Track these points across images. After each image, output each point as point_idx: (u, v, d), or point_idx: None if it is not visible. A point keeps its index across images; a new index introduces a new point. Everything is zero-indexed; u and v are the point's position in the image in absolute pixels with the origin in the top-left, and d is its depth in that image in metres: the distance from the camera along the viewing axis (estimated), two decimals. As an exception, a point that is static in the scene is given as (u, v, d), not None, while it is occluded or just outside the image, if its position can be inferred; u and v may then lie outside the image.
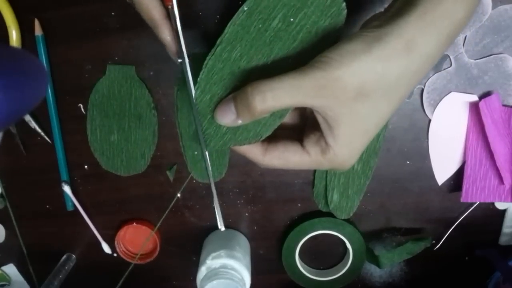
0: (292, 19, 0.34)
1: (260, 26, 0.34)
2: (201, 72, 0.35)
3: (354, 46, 0.30)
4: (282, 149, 0.36)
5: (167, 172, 0.55)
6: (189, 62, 0.38)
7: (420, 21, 0.29)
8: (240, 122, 0.34)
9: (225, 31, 0.35)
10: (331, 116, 0.31)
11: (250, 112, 0.32)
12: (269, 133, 0.36)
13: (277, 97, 0.31)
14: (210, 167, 0.40)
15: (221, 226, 0.41)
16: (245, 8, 0.34)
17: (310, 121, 0.37)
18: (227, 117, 0.34)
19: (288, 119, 0.38)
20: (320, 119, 0.33)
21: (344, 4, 0.34)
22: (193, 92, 0.36)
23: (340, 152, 0.33)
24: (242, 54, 0.35)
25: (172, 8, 0.37)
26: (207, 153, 0.39)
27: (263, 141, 0.37)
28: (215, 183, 0.56)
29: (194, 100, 0.36)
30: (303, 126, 0.38)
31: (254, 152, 0.36)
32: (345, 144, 0.33)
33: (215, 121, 0.35)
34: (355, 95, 0.30)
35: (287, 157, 0.35)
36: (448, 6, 0.29)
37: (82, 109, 0.53)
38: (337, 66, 0.30)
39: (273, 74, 0.32)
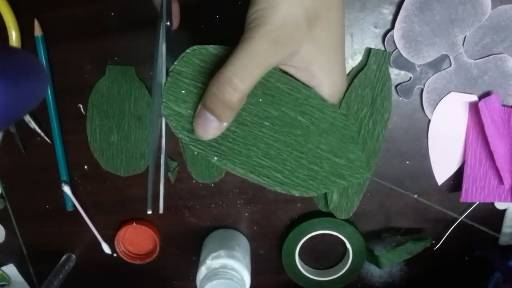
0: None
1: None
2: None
3: None
4: None
5: (169, 173, 0.55)
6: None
7: None
8: (225, 124, 0.31)
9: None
10: (300, 60, 0.31)
11: (229, 107, 0.29)
12: None
13: (244, 76, 0.29)
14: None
15: (149, 210, 0.38)
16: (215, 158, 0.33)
17: None
18: (210, 127, 0.31)
19: None
20: (293, 72, 0.32)
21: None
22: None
23: (330, 83, 0.32)
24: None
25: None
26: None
27: None
28: (215, 184, 0.56)
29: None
30: None
31: None
32: (329, 74, 0.32)
33: (201, 139, 0.32)
34: (307, 25, 0.29)
35: None
36: None
37: (82, 109, 0.53)
38: (274, 11, 0.28)
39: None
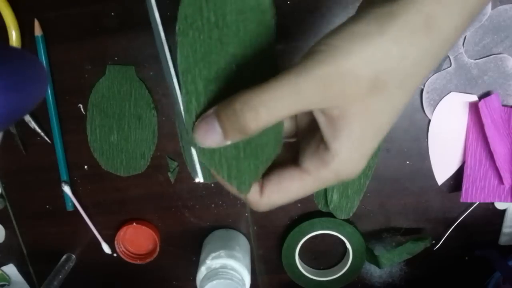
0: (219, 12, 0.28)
1: (198, 35, 0.29)
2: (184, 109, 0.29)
3: (363, 26, 0.24)
4: (276, 179, 0.29)
5: (169, 174, 0.55)
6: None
7: None
8: (228, 142, 0.27)
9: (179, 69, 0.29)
10: (337, 115, 0.26)
11: (242, 132, 0.26)
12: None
13: (273, 110, 0.25)
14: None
15: (200, 179, 0.36)
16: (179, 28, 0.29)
17: (303, 127, 0.30)
18: (212, 138, 0.27)
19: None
20: (321, 121, 0.27)
21: None
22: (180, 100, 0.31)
23: (347, 159, 0.27)
24: (204, 74, 0.29)
25: None
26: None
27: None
28: (215, 184, 0.56)
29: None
30: (297, 136, 0.31)
31: (251, 193, 0.29)
32: (353, 149, 0.26)
33: (196, 141, 0.28)
34: (368, 89, 0.25)
35: (285, 187, 0.28)
36: None
37: (82, 109, 0.53)
38: (345, 55, 0.24)
39: (247, 73, 0.27)
